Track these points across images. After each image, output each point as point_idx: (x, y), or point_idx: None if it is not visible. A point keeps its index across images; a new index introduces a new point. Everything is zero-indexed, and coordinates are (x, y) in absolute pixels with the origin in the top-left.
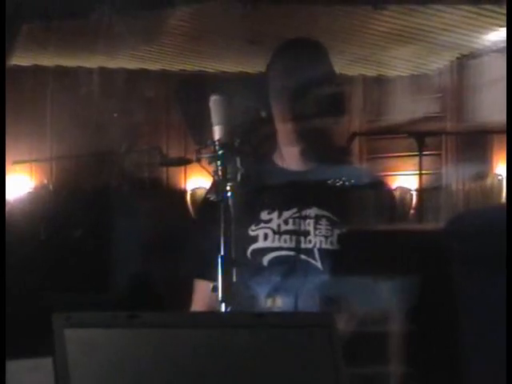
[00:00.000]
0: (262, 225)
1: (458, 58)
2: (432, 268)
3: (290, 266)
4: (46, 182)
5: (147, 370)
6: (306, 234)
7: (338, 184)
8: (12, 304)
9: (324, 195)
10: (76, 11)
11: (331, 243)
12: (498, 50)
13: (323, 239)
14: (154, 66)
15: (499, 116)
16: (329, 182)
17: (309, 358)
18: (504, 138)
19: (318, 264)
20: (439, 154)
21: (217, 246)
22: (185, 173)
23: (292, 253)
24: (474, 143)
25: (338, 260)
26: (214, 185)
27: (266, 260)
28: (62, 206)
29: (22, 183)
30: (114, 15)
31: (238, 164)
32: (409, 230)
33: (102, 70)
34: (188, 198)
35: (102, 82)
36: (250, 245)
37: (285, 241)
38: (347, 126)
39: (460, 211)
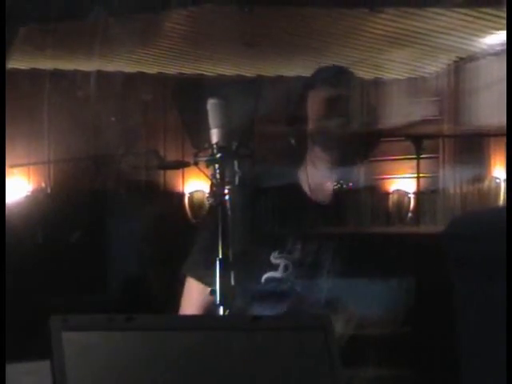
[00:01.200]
0: (285, 254)
1: (455, 61)
2: (430, 271)
3: (303, 300)
4: (43, 185)
5: (144, 373)
6: (323, 269)
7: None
8: (9, 307)
9: (344, 233)
10: (73, 14)
11: (345, 280)
12: (495, 53)
13: (338, 276)
14: (151, 69)
15: (497, 119)
16: (350, 217)
17: (306, 361)
18: (502, 140)
19: (329, 298)
20: (437, 157)
21: (215, 249)
22: (183, 176)
23: (307, 286)
24: (471, 146)
25: (349, 293)
26: (213, 188)
27: (279, 289)
28: (60, 209)
29: (20, 187)
30: (111, 18)
31: (236, 167)
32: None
33: (100, 74)
34: (186, 201)
35: (100, 86)
36: (267, 271)
37: (303, 275)
38: None
39: (458, 214)
